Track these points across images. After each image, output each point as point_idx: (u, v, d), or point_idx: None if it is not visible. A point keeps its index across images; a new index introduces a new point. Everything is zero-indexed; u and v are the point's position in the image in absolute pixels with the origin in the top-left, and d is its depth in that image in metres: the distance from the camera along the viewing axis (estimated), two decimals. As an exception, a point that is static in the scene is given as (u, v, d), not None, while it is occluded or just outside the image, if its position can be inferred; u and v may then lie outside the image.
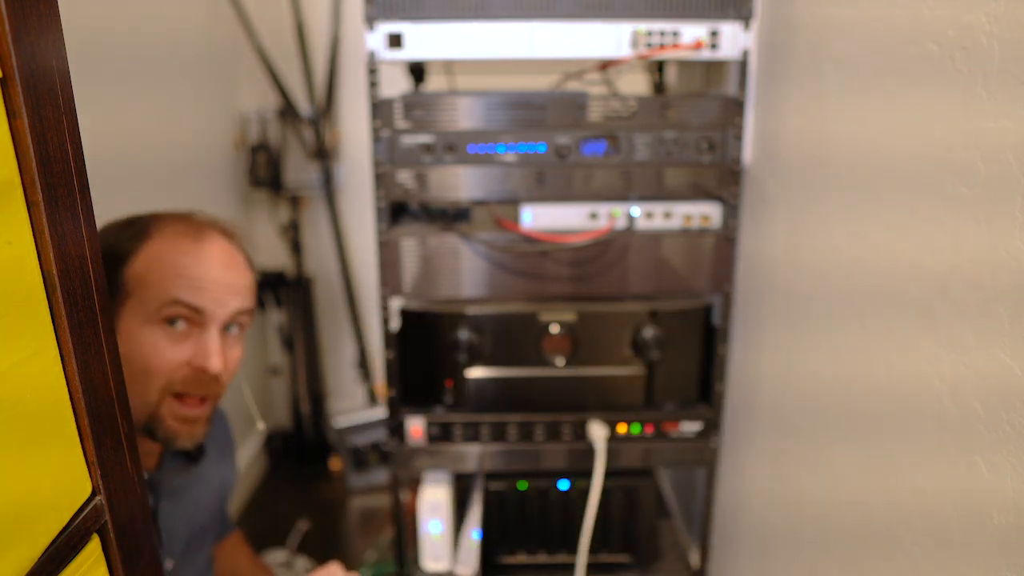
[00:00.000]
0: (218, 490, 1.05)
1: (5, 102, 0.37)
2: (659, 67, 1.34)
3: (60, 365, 0.42)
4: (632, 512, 1.22)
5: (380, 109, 1.05)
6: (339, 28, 2.09)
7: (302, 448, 2.35)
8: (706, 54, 1.03)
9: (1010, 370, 0.56)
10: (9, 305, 0.38)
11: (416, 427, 1.17)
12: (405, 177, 1.08)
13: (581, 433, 1.17)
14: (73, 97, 0.43)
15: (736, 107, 1.06)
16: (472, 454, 1.18)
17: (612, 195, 1.10)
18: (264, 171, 2.15)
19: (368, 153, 1.08)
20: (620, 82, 1.29)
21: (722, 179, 1.09)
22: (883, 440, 0.75)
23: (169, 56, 1.74)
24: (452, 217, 1.17)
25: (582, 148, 1.07)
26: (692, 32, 1.02)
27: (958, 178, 0.62)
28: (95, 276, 0.45)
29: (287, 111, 2.11)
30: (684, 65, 1.40)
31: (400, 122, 1.06)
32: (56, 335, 0.42)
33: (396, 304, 1.13)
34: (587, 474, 1.16)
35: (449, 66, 1.25)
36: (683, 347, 1.14)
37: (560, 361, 1.13)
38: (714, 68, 1.23)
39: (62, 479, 0.43)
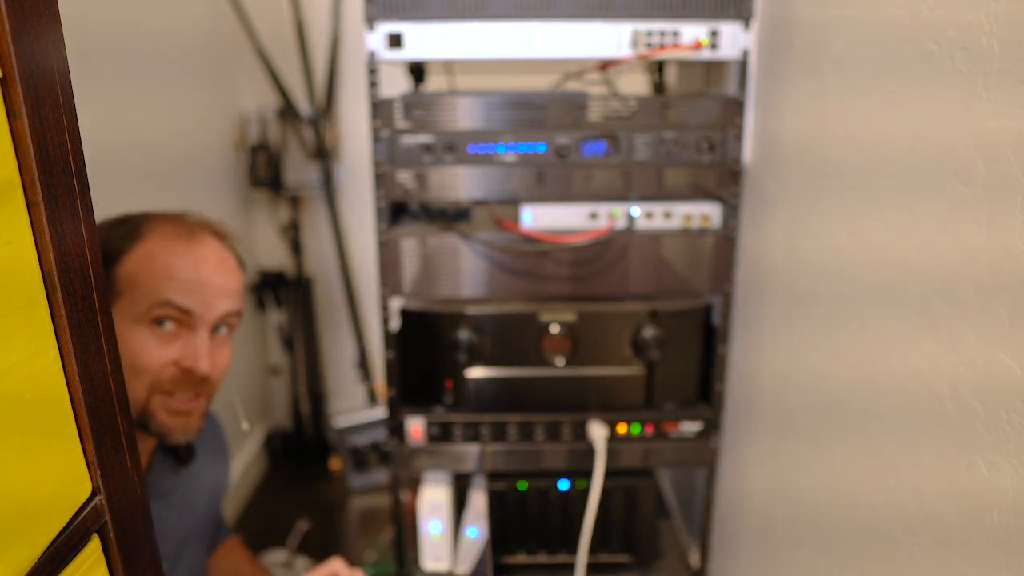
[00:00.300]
0: (209, 493, 1.05)
1: (5, 102, 0.37)
2: (659, 67, 1.34)
3: (60, 365, 0.42)
4: (632, 512, 1.22)
5: (380, 109, 1.05)
6: (339, 28, 2.09)
7: (302, 448, 2.35)
8: (706, 54, 1.03)
9: (1010, 370, 0.56)
10: (9, 305, 0.38)
11: (416, 427, 1.17)
12: (405, 177, 1.08)
13: (581, 433, 1.17)
14: (73, 97, 0.43)
15: (736, 107, 1.06)
16: (472, 454, 1.18)
17: (612, 195, 1.10)
18: (264, 171, 2.15)
19: (368, 153, 1.08)
20: (620, 82, 1.29)
21: (722, 179, 1.09)
22: (883, 440, 0.75)
23: (169, 56, 1.74)
24: (452, 217, 1.17)
25: (582, 148, 1.07)
26: (692, 32, 1.02)
27: (958, 178, 0.62)
28: (95, 276, 0.45)
29: (287, 111, 2.11)
30: (684, 65, 1.40)
31: (400, 122, 1.06)
32: (56, 335, 0.42)
33: (396, 304, 1.13)
34: (587, 474, 1.16)
35: (449, 66, 1.25)
36: (683, 347, 1.14)
37: (560, 361, 1.13)
38: (714, 68, 1.23)
39: (62, 479, 0.43)
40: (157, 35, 1.66)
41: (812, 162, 0.91)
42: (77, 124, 0.43)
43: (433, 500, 1.20)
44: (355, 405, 2.35)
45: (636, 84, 1.46)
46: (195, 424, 0.89)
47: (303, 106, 2.14)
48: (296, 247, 2.24)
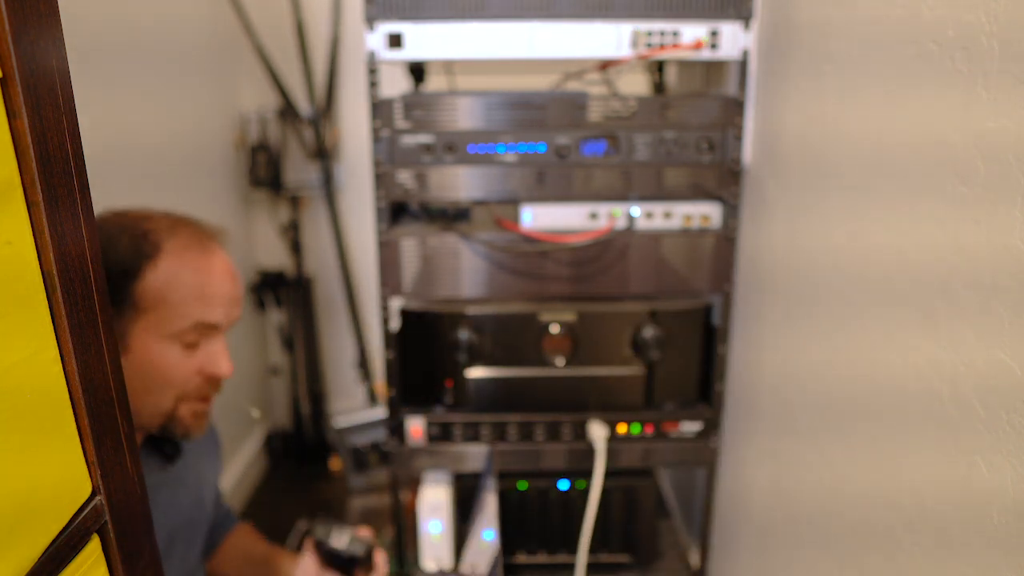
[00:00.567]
0: (197, 490, 1.04)
1: (5, 102, 0.37)
2: (659, 67, 1.34)
3: (60, 365, 0.42)
4: (632, 512, 1.22)
5: (380, 109, 1.05)
6: (339, 28, 2.09)
7: (302, 448, 2.35)
8: (706, 54, 1.03)
9: (1010, 370, 0.56)
10: (9, 304, 0.38)
11: (416, 427, 1.17)
12: (405, 177, 1.08)
13: (581, 433, 1.17)
14: (73, 97, 0.43)
15: (736, 107, 1.06)
16: (472, 454, 1.18)
17: (612, 195, 1.10)
18: (264, 171, 2.15)
19: (368, 153, 1.08)
20: (620, 82, 1.29)
21: (722, 179, 1.09)
22: (883, 440, 0.75)
23: (169, 56, 1.74)
24: (452, 217, 1.17)
25: (582, 148, 1.07)
26: (692, 32, 1.02)
27: (958, 178, 0.62)
28: (95, 276, 0.45)
29: (287, 111, 2.11)
30: (684, 65, 1.40)
31: (400, 122, 1.06)
32: (56, 335, 0.42)
33: (396, 304, 1.13)
34: (587, 474, 1.16)
35: (449, 66, 1.25)
36: (683, 347, 1.14)
37: (560, 361, 1.13)
38: (714, 68, 1.23)
39: (62, 479, 0.43)
40: (157, 35, 1.66)
41: (812, 162, 0.91)
42: (77, 124, 0.43)
43: (433, 500, 1.20)
44: (355, 405, 2.35)
45: (636, 84, 1.46)
46: (207, 422, 0.94)
47: (303, 106, 2.14)
48: (296, 247, 2.24)
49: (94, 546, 0.45)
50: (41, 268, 0.40)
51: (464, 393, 1.14)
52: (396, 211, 1.20)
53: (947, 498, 0.64)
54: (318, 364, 2.34)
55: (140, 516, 0.51)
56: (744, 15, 1.02)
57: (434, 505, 1.20)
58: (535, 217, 1.11)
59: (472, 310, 1.11)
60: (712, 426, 1.18)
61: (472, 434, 1.17)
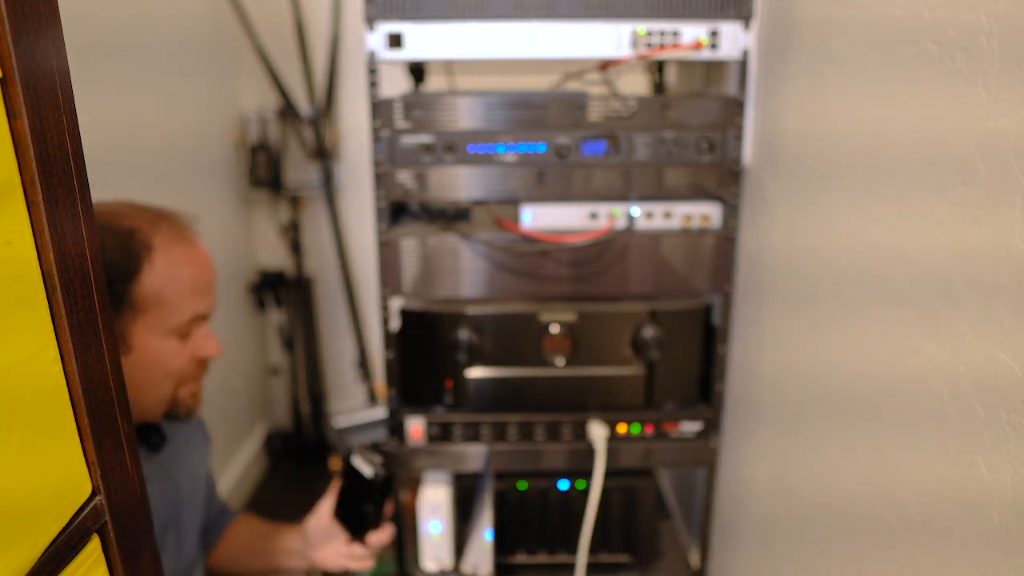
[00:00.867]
0: (189, 482, 1.05)
1: (5, 102, 0.37)
2: (659, 67, 1.34)
3: (60, 364, 0.42)
4: (632, 512, 1.22)
5: (380, 109, 1.05)
6: (339, 28, 2.09)
7: (302, 448, 2.35)
8: (706, 54, 1.03)
9: (1010, 370, 0.56)
10: (9, 304, 0.38)
11: (416, 427, 1.17)
12: (405, 177, 1.08)
13: (581, 433, 1.17)
14: (73, 97, 0.43)
15: (736, 107, 1.06)
16: (472, 454, 1.18)
17: (612, 195, 1.10)
18: (264, 171, 2.15)
19: (368, 153, 1.08)
20: (620, 82, 1.29)
21: (722, 179, 1.09)
22: (883, 440, 0.75)
23: (169, 56, 1.74)
24: (452, 217, 1.17)
25: (582, 148, 1.07)
26: (692, 32, 1.02)
27: (958, 178, 0.62)
28: (95, 276, 0.45)
29: (287, 111, 2.11)
30: (684, 65, 1.40)
31: (400, 122, 1.06)
32: (56, 335, 0.42)
33: (396, 304, 1.13)
34: (587, 474, 1.16)
35: (449, 66, 1.25)
36: (683, 347, 1.14)
37: (560, 361, 1.13)
38: (714, 68, 1.23)
39: (62, 479, 0.43)
40: (157, 35, 1.66)
41: (812, 162, 0.91)
42: (77, 124, 0.43)
43: (433, 500, 1.20)
44: (355, 405, 2.35)
45: (636, 84, 1.46)
46: (201, 395, 0.99)
47: (303, 106, 2.14)
48: (296, 247, 2.24)
49: (94, 546, 0.45)
50: (41, 268, 0.40)
51: (464, 393, 1.14)
52: (396, 211, 1.20)
53: (947, 498, 0.64)
54: (318, 364, 2.34)
55: (140, 516, 0.51)
56: (744, 15, 1.02)
57: (434, 505, 1.20)
58: (535, 217, 1.11)
59: (472, 310, 1.11)
60: (712, 426, 1.18)
61: (472, 434, 1.17)
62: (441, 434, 1.17)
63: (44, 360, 0.41)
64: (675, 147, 1.07)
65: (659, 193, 1.10)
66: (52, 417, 0.42)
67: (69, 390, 0.43)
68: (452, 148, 1.06)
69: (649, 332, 1.11)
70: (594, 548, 1.21)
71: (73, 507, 0.43)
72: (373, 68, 1.04)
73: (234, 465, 2.14)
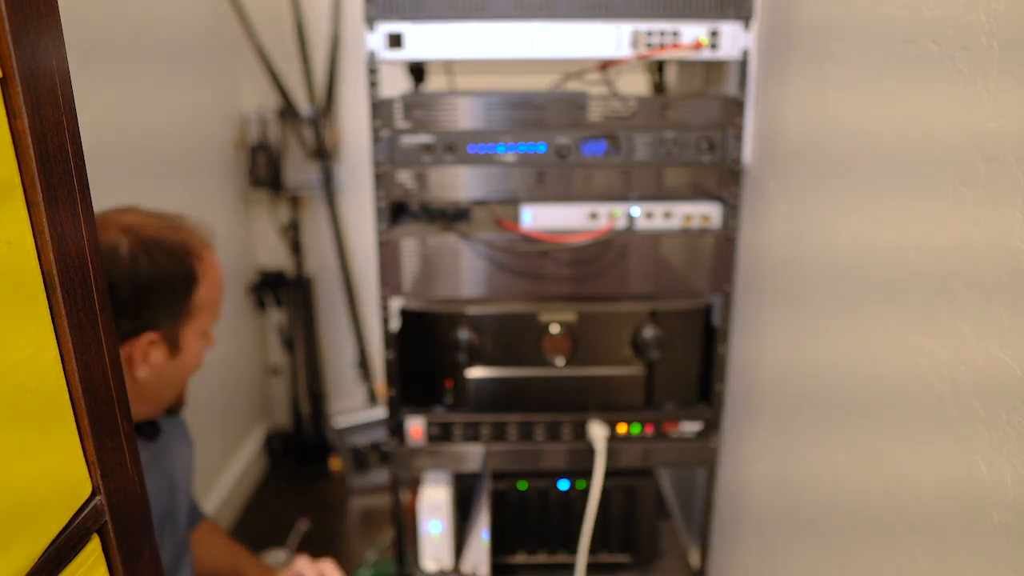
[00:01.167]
0: (183, 472, 1.06)
1: (5, 102, 0.37)
2: (659, 67, 1.34)
3: (60, 365, 0.42)
4: (632, 512, 1.22)
5: (380, 109, 1.05)
6: (339, 28, 2.09)
7: (302, 448, 2.35)
8: (706, 54, 1.03)
9: (1010, 369, 0.56)
10: (9, 304, 0.38)
11: (416, 427, 1.17)
12: (405, 177, 1.08)
13: (581, 433, 1.17)
14: (73, 97, 0.43)
15: (736, 107, 1.06)
16: (472, 454, 1.18)
17: (612, 195, 1.10)
18: (264, 171, 2.14)
19: (368, 153, 1.08)
20: (620, 82, 1.29)
21: (722, 179, 1.09)
22: (883, 439, 0.75)
23: (169, 56, 1.74)
24: (452, 217, 1.17)
25: (582, 148, 1.07)
26: (692, 32, 1.02)
27: (958, 178, 0.62)
28: (95, 276, 0.45)
29: (287, 111, 2.11)
30: (684, 65, 1.40)
31: (400, 122, 1.06)
32: (56, 335, 0.42)
33: (396, 304, 1.13)
34: (587, 474, 1.16)
35: (449, 66, 1.25)
36: (683, 347, 1.14)
37: (560, 361, 1.13)
38: (714, 68, 1.23)
39: (62, 479, 0.43)
40: (157, 34, 1.66)
41: (812, 162, 0.91)
42: (77, 124, 0.43)
43: (433, 500, 1.20)
44: (355, 405, 2.35)
45: (636, 84, 1.46)
46: None
47: (303, 106, 2.14)
48: (296, 247, 2.24)
49: (94, 546, 0.45)
50: (41, 268, 0.40)
51: (464, 393, 1.14)
52: (396, 211, 1.20)
53: (947, 497, 0.64)
54: (318, 364, 2.34)
55: (140, 516, 0.51)
56: (744, 15, 1.02)
57: (434, 505, 1.20)
58: (535, 217, 1.11)
59: (472, 310, 1.11)
60: (712, 426, 1.18)
61: (472, 434, 1.17)
62: (441, 434, 1.17)
63: (44, 360, 0.41)
64: (675, 147, 1.07)
65: (659, 193, 1.10)
66: (52, 417, 0.42)
67: (69, 390, 0.43)
68: (452, 148, 1.06)
69: (649, 332, 1.11)
70: (594, 548, 1.21)
71: (73, 507, 0.43)
72: (373, 68, 1.04)
73: (234, 465, 2.14)
